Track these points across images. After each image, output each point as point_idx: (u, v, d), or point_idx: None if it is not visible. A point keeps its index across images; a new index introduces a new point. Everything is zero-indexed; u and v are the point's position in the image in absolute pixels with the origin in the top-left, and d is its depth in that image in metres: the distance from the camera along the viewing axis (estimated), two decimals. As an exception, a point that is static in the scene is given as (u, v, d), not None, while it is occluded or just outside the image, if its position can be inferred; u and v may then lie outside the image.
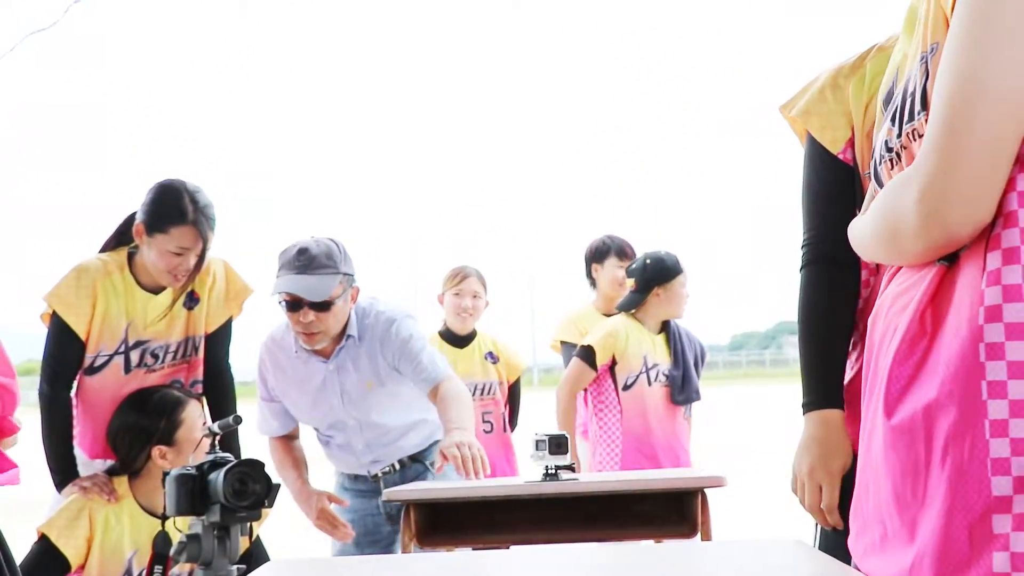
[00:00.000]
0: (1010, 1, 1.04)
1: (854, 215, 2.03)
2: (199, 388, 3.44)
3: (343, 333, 3.47)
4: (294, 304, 3.31)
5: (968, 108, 1.05)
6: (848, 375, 2.03)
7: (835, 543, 1.98)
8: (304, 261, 3.30)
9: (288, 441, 3.63)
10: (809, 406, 2.03)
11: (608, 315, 4.80)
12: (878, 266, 1.95)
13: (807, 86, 2.09)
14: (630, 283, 4.62)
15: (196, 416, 3.18)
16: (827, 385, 2.02)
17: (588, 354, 4.52)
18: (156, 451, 3.13)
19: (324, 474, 3.82)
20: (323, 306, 3.31)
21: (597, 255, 4.95)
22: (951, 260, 1.13)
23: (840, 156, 2.03)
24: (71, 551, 2.97)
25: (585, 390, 4.61)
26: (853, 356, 2.04)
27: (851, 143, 2.01)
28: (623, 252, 4.94)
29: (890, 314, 1.20)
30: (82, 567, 3.01)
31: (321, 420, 3.59)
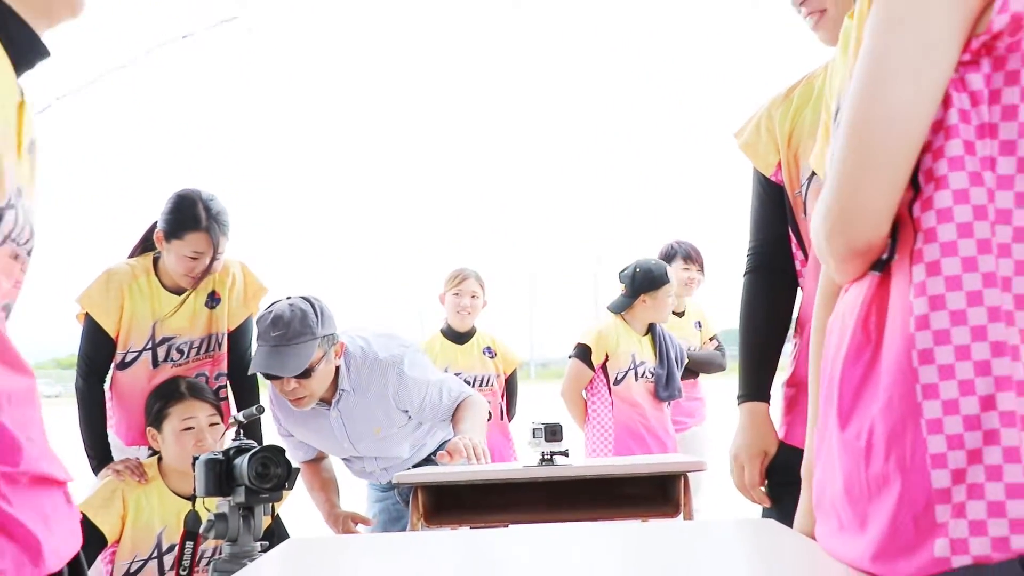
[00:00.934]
0: (894, 45, 1.04)
1: (785, 231, 2.07)
2: (224, 380, 3.46)
3: (335, 387, 3.25)
4: (275, 375, 3.12)
5: (858, 139, 1.07)
6: (789, 371, 2.10)
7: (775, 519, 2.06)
8: (279, 333, 3.04)
9: (315, 464, 3.53)
10: (742, 398, 2.12)
11: (676, 312, 5.00)
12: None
13: (751, 117, 2.16)
14: (621, 287, 4.67)
15: (190, 415, 3.09)
16: (758, 381, 2.12)
17: (584, 352, 4.59)
18: (149, 431, 3.15)
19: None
20: (304, 374, 3.07)
21: (665, 258, 5.04)
22: (880, 269, 1.13)
23: (773, 178, 2.11)
24: (107, 527, 2.97)
25: None
26: (793, 353, 2.09)
27: (780, 167, 2.08)
28: (689, 256, 5.14)
29: (843, 320, 1.22)
30: (117, 541, 3.03)
31: (337, 454, 3.50)
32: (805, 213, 2.06)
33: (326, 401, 3.28)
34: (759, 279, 2.15)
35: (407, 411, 3.28)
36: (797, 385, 2.06)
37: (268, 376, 3.11)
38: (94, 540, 2.97)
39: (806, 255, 2.08)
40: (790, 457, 2.04)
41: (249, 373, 3.21)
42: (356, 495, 3.87)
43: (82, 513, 2.97)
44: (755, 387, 2.12)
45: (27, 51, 1.46)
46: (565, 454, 2.93)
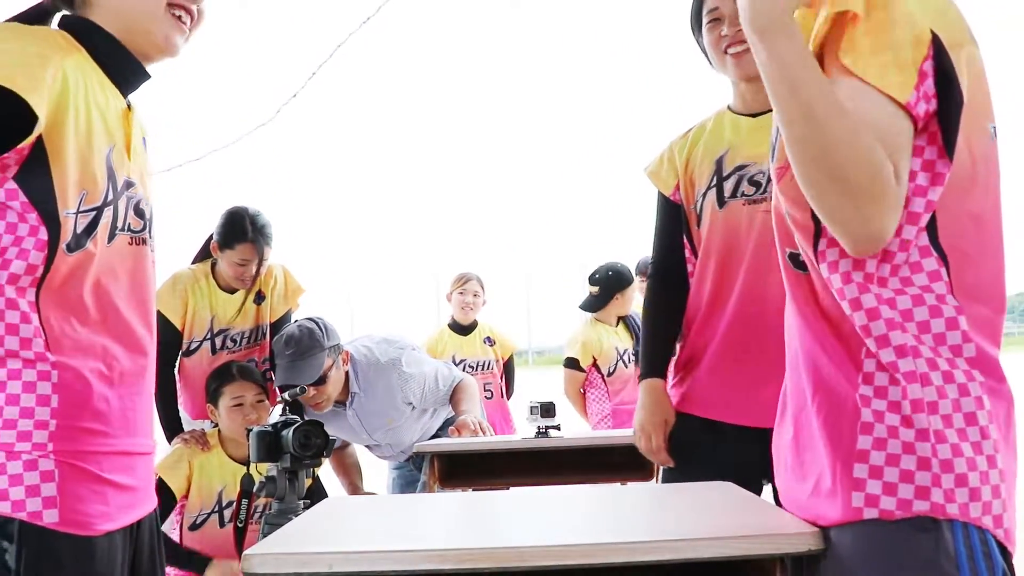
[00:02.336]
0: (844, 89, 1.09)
1: (679, 242, 2.17)
2: (268, 365, 3.54)
3: (347, 390, 3.37)
4: (294, 385, 3.17)
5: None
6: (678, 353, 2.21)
7: (671, 478, 2.18)
8: (292, 350, 3.19)
9: (340, 451, 3.59)
10: (643, 376, 2.20)
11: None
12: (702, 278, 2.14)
13: (660, 152, 2.27)
14: (591, 288, 4.76)
15: (239, 393, 3.15)
16: (657, 362, 2.20)
17: (574, 363, 4.80)
18: (208, 406, 3.21)
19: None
20: (319, 381, 3.21)
21: (641, 270, 5.10)
22: (805, 269, 1.21)
23: (672, 198, 2.21)
24: (175, 485, 3.03)
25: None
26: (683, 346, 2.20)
27: (678, 187, 2.19)
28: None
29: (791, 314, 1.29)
30: (185, 497, 3.08)
31: (359, 443, 3.59)
32: (699, 224, 2.15)
33: (341, 403, 3.38)
34: (659, 282, 2.25)
35: (411, 403, 3.38)
36: (685, 364, 2.16)
37: (287, 387, 3.11)
38: (167, 496, 3.06)
39: (697, 257, 2.16)
40: (684, 423, 2.15)
41: (276, 386, 3.26)
42: (377, 467, 3.95)
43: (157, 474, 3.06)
44: (655, 367, 2.19)
45: (128, 75, 1.56)
46: (558, 428, 2.97)
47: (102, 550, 1.41)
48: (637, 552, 1.18)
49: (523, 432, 3.44)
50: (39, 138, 1.36)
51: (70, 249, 1.40)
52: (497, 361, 5.13)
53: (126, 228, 1.54)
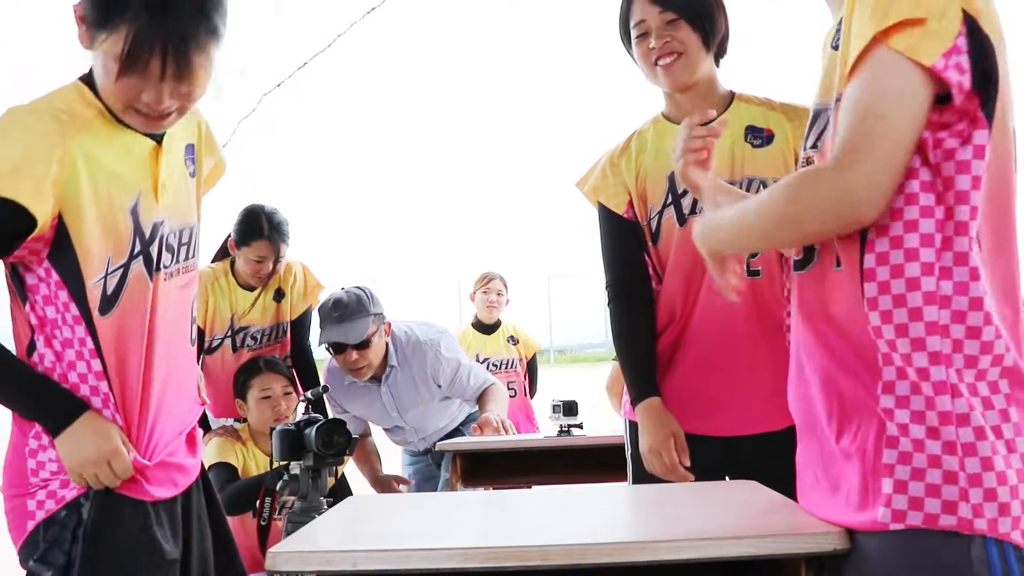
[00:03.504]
0: (878, 88, 1.08)
1: (640, 258, 2.12)
2: (289, 362, 3.57)
3: (385, 363, 3.41)
4: (339, 348, 3.30)
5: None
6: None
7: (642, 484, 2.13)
8: (339, 312, 3.26)
9: (361, 440, 3.59)
10: (637, 400, 2.12)
11: None
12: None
13: (593, 167, 2.22)
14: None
15: (267, 385, 3.20)
16: (645, 383, 2.12)
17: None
18: (237, 402, 3.25)
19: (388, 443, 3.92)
20: (362, 345, 3.26)
21: None
22: (803, 268, 1.22)
23: (624, 215, 2.16)
24: (232, 460, 3.11)
25: None
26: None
27: (631, 204, 2.14)
28: None
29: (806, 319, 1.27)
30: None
31: (384, 424, 3.61)
32: (654, 242, 2.12)
33: (377, 379, 3.41)
34: (624, 306, 2.18)
35: (440, 385, 3.42)
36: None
37: (334, 348, 3.28)
38: (233, 473, 3.10)
39: (659, 276, 2.13)
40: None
41: (319, 345, 3.37)
42: (393, 460, 3.97)
43: (215, 463, 3.10)
44: (644, 388, 2.12)
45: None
46: (580, 426, 2.99)
47: (155, 511, 1.70)
48: (661, 551, 1.19)
49: (546, 431, 3.45)
50: (60, 221, 1.55)
51: (103, 312, 1.61)
52: (520, 360, 5.15)
53: (159, 267, 1.70)
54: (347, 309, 3.26)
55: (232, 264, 3.43)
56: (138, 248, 1.66)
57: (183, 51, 1.50)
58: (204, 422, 3.35)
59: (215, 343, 3.40)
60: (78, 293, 1.59)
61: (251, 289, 3.43)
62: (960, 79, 1.07)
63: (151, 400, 1.70)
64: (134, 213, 1.65)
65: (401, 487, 3.59)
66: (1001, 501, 1.04)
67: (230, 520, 3.08)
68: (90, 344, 1.62)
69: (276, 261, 3.35)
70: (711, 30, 2.06)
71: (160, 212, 1.70)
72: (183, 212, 1.76)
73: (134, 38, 1.47)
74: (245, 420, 3.26)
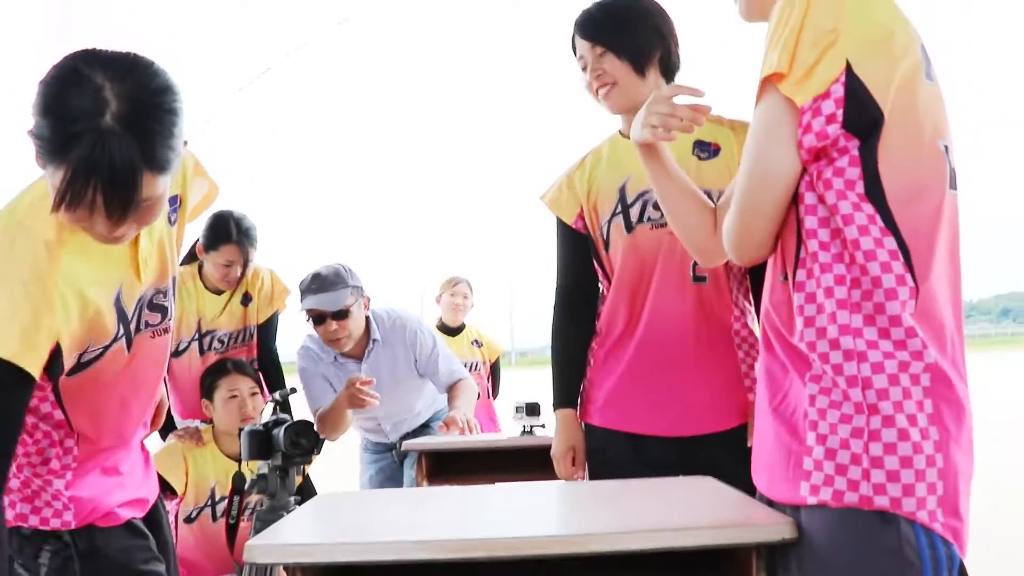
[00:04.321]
0: (758, 134, 1.25)
1: (590, 269, 2.26)
2: (256, 365, 3.60)
3: (368, 337, 3.47)
4: (318, 318, 3.34)
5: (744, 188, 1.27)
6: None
7: None
8: (318, 283, 3.33)
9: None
10: (557, 405, 2.29)
11: None
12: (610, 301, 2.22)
13: (555, 182, 2.33)
14: None
15: (235, 386, 3.23)
16: (568, 392, 2.28)
17: None
18: (203, 402, 3.27)
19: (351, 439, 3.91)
20: (341, 314, 3.31)
21: None
22: (785, 277, 1.31)
23: (574, 226, 2.28)
24: (175, 481, 3.09)
25: None
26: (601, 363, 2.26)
27: (581, 216, 2.26)
28: None
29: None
30: (184, 493, 3.15)
31: (357, 412, 3.56)
32: (606, 248, 2.22)
33: (357, 356, 3.47)
34: (568, 312, 2.32)
35: (418, 359, 3.49)
36: (602, 383, 2.24)
37: (313, 318, 3.34)
38: (169, 492, 3.13)
39: (609, 279, 2.23)
40: (608, 437, 2.23)
41: (298, 314, 3.42)
42: (350, 461, 3.99)
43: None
44: (565, 398, 2.28)
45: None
46: (543, 426, 3.05)
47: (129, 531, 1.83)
48: (619, 541, 1.26)
49: (508, 431, 3.51)
50: (57, 346, 1.55)
51: (71, 375, 1.64)
52: (484, 363, 5.23)
53: (140, 330, 1.73)
54: (325, 280, 3.33)
55: (200, 268, 3.46)
56: (121, 332, 1.68)
57: (126, 190, 1.41)
58: (169, 423, 3.37)
59: (182, 346, 3.43)
60: (51, 372, 1.59)
61: (219, 293, 3.46)
62: (826, 127, 1.21)
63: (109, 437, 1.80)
64: (118, 304, 1.65)
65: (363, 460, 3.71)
66: (904, 482, 1.15)
67: (197, 522, 3.15)
68: (51, 396, 1.66)
69: (244, 265, 3.39)
70: (640, 57, 2.15)
71: (143, 286, 1.71)
72: (166, 269, 1.76)
73: (71, 177, 1.38)
74: (210, 421, 3.29)
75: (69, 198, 1.39)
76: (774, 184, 1.25)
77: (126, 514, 1.83)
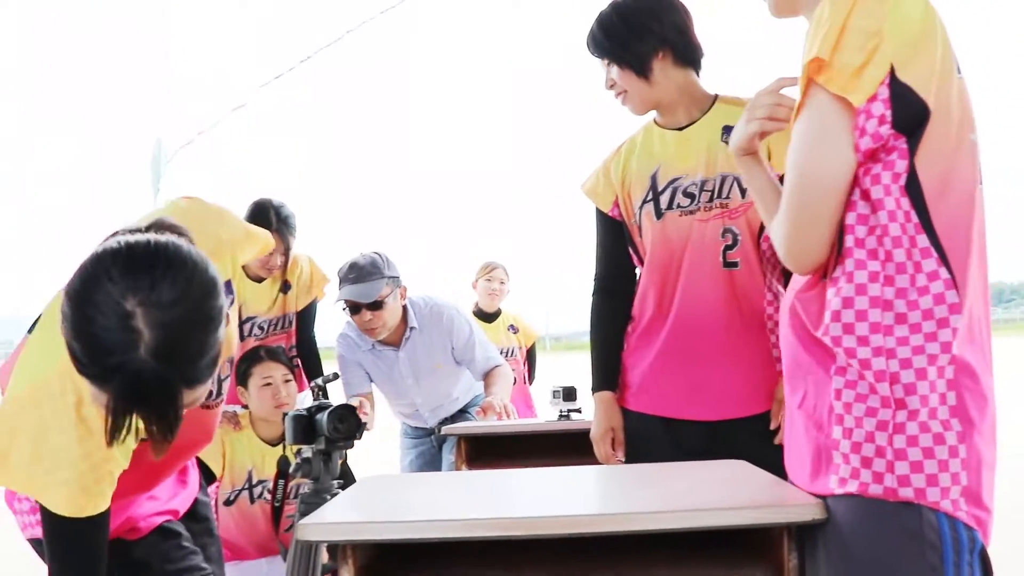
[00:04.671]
0: (811, 134, 1.26)
1: (626, 256, 2.31)
2: (294, 352, 3.68)
3: (405, 325, 3.53)
4: (354, 308, 3.41)
5: (797, 194, 1.28)
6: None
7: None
8: (354, 273, 3.39)
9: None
10: (596, 388, 2.36)
11: None
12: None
13: (594, 170, 2.39)
14: None
15: (268, 373, 3.28)
16: (607, 375, 2.35)
17: None
18: (238, 388, 3.33)
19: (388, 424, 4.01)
20: (375, 305, 3.38)
21: None
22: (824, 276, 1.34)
23: (611, 214, 2.33)
24: (214, 464, 3.15)
25: None
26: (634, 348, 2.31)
27: (616, 203, 2.31)
28: None
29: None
30: (222, 476, 3.24)
31: (395, 397, 3.71)
32: (640, 235, 2.28)
33: (395, 344, 3.54)
34: (605, 299, 2.38)
35: (455, 347, 3.56)
36: (635, 366, 2.30)
37: (349, 308, 3.42)
38: (208, 475, 3.21)
39: (642, 261, 2.30)
40: (641, 420, 2.29)
41: (334, 303, 3.48)
42: (386, 447, 4.05)
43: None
44: (604, 380, 2.34)
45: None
46: (579, 411, 3.09)
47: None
48: (652, 521, 1.31)
49: (544, 416, 3.55)
50: None
51: None
52: (520, 348, 5.26)
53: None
54: (362, 271, 3.39)
55: None
56: None
57: (167, 415, 1.37)
58: None
59: (223, 332, 3.52)
60: None
61: (259, 281, 3.54)
62: (879, 129, 1.23)
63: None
64: None
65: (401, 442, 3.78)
66: (928, 473, 1.20)
67: (235, 505, 3.23)
68: None
69: (284, 254, 3.46)
70: (641, 65, 2.21)
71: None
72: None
73: (114, 409, 1.34)
74: (247, 406, 3.38)
75: (114, 428, 1.34)
76: (833, 186, 1.25)
77: (156, 521, 1.87)
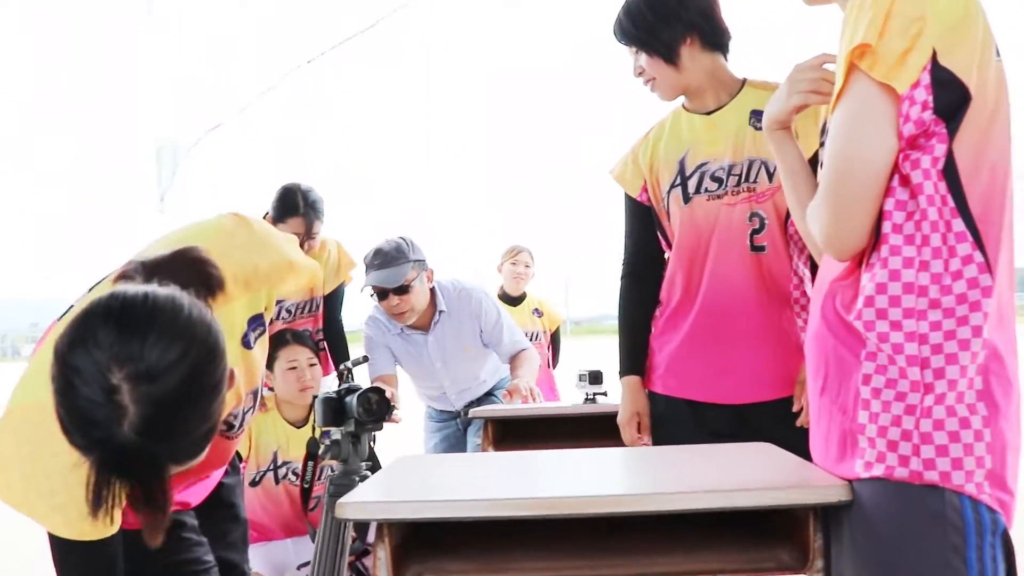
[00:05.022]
0: (855, 123, 1.26)
1: (655, 240, 2.32)
2: (321, 336, 3.73)
3: (434, 308, 3.54)
4: (381, 293, 3.43)
5: (839, 180, 1.28)
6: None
7: None
8: (380, 259, 3.40)
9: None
10: (623, 372, 2.38)
11: None
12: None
13: (623, 157, 2.40)
14: None
15: (294, 356, 3.32)
16: (634, 359, 2.37)
17: None
18: (265, 372, 3.41)
19: (415, 403, 4.05)
20: (402, 290, 3.39)
21: None
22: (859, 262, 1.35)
23: (639, 199, 2.35)
24: (241, 447, 3.20)
25: None
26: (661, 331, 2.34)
27: (645, 189, 2.33)
28: None
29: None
30: (247, 459, 3.28)
31: (423, 380, 3.74)
32: (668, 219, 2.30)
33: (424, 328, 3.56)
34: (633, 283, 2.41)
35: (483, 330, 3.59)
36: (663, 349, 2.33)
37: (376, 293, 3.44)
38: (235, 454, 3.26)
39: (670, 245, 2.32)
40: (668, 404, 2.32)
41: (360, 290, 3.51)
42: (415, 428, 4.12)
43: None
44: (631, 365, 2.37)
45: None
46: (605, 394, 3.12)
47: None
48: (677, 501, 1.34)
49: (569, 399, 3.58)
50: None
51: None
52: (545, 332, 5.29)
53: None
54: (387, 256, 3.41)
55: None
56: None
57: (153, 491, 1.25)
58: None
59: (252, 314, 3.57)
60: None
61: None
62: (921, 115, 1.24)
63: None
64: None
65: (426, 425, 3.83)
66: (953, 456, 1.22)
67: (260, 486, 3.29)
68: None
69: (311, 237, 3.51)
70: (669, 51, 2.23)
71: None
72: (240, 399, 1.73)
73: (95, 482, 1.22)
74: (272, 388, 3.43)
75: (96, 499, 1.22)
76: (875, 172, 1.26)
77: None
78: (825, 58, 1.50)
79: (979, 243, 1.25)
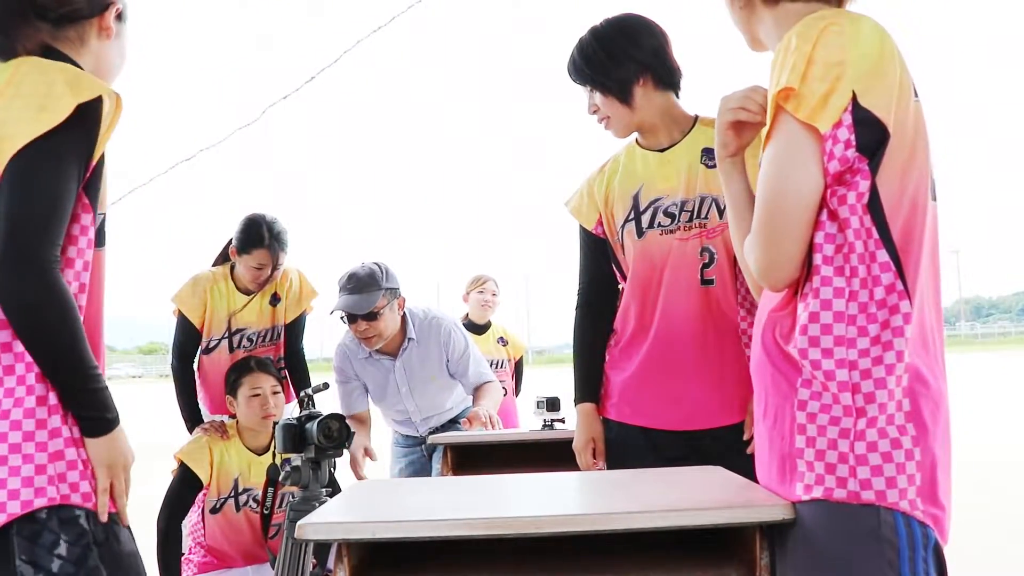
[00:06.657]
0: (781, 159, 1.34)
1: (609, 272, 2.39)
2: (283, 364, 3.75)
3: (404, 335, 3.58)
4: (350, 318, 3.47)
5: (769, 214, 1.35)
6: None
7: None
8: (352, 284, 3.44)
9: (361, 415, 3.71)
10: (578, 400, 2.44)
11: None
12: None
13: (578, 189, 2.47)
14: None
15: (257, 384, 3.36)
16: (589, 387, 2.44)
17: None
18: (227, 398, 3.42)
19: (383, 430, 4.02)
20: (371, 316, 3.43)
21: None
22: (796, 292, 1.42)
23: (594, 231, 2.42)
24: (201, 472, 3.24)
25: None
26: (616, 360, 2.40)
27: (600, 222, 2.39)
28: None
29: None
30: (208, 485, 3.31)
31: (388, 407, 3.76)
32: (623, 252, 2.36)
33: (392, 354, 3.60)
34: (588, 313, 2.47)
35: (450, 360, 3.61)
36: (616, 379, 2.39)
37: (348, 319, 3.46)
38: (195, 483, 3.27)
39: (624, 276, 2.38)
40: (623, 431, 2.37)
41: (330, 314, 3.53)
42: (382, 452, 4.11)
43: (182, 463, 3.28)
44: (586, 392, 2.43)
45: None
46: (563, 421, 3.16)
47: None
48: (637, 520, 1.39)
49: (528, 425, 3.62)
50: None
51: None
52: (509, 360, 5.34)
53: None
54: (360, 282, 3.44)
55: (232, 268, 3.62)
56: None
57: None
58: (196, 417, 3.55)
59: (212, 344, 3.59)
60: None
61: (249, 293, 3.61)
62: (845, 152, 1.32)
63: None
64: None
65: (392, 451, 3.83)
66: (887, 476, 1.29)
67: (221, 512, 3.29)
68: None
69: (275, 268, 3.54)
70: (622, 90, 2.29)
71: None
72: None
73: None
74: (235, 416, 3.45)
75: None
76: (803, 206, 1.33)
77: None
78: (754, 87, 1.57)
79: (900, 272, 1.33)
